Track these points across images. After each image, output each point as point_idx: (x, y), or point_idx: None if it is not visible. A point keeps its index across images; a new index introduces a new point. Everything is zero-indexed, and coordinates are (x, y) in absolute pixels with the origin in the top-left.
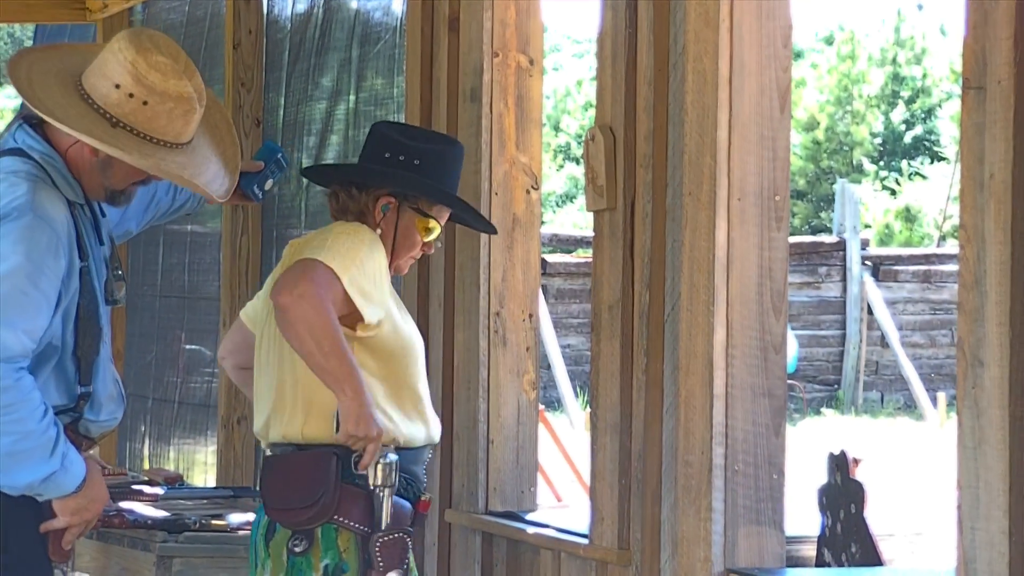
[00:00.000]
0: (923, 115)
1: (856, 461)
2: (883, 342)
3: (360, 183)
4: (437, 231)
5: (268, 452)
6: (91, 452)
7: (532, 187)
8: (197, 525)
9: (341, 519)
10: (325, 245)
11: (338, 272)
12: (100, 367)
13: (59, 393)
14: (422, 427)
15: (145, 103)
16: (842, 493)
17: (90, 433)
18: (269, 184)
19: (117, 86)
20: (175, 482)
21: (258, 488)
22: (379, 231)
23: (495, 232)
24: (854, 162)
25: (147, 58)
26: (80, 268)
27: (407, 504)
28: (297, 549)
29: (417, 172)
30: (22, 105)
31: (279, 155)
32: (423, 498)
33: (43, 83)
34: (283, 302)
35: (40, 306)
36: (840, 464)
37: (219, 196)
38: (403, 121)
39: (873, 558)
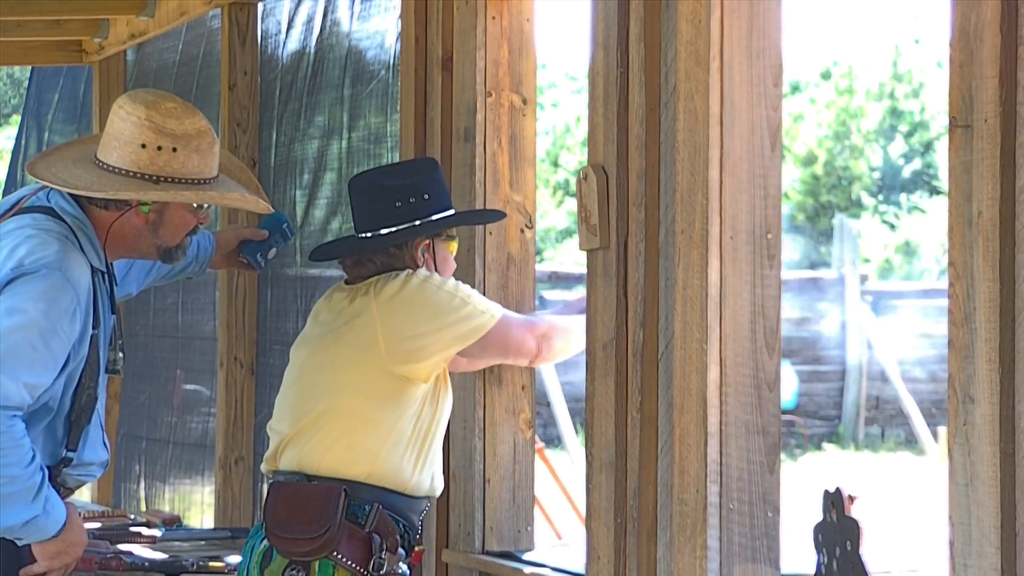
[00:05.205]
0: (921, 149)
1: (852, 498)
2: (883, 377)
3: (398, 243)
4: (457, 242)
5: (272, 479)
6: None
7: (526, 226)
8: (195, 567)
9: (340, 556)
10: (466, 311)
11: (498, 311)
12: (89, 434)
13: (43, 454)
14: (428, 478)
15: (174, 150)
16: (837, 530)
17: (67, 483)
18: (272, 253)
19: (143, 145)
20: (173, 523)
21: (262, 512)
22: (423, 268)
23: (504, 216)
24: (853, 196)
25: (158, 109)
26: (92, 335)
27: (401, 551)
28: None
29: (430, 205)
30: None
31: (284, 225)
32: (416, 548)
33: (70, 172)
34: (541, 357)
35: (47, 364)
36: (835, 501)
37: (268, 210)
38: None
39: None
